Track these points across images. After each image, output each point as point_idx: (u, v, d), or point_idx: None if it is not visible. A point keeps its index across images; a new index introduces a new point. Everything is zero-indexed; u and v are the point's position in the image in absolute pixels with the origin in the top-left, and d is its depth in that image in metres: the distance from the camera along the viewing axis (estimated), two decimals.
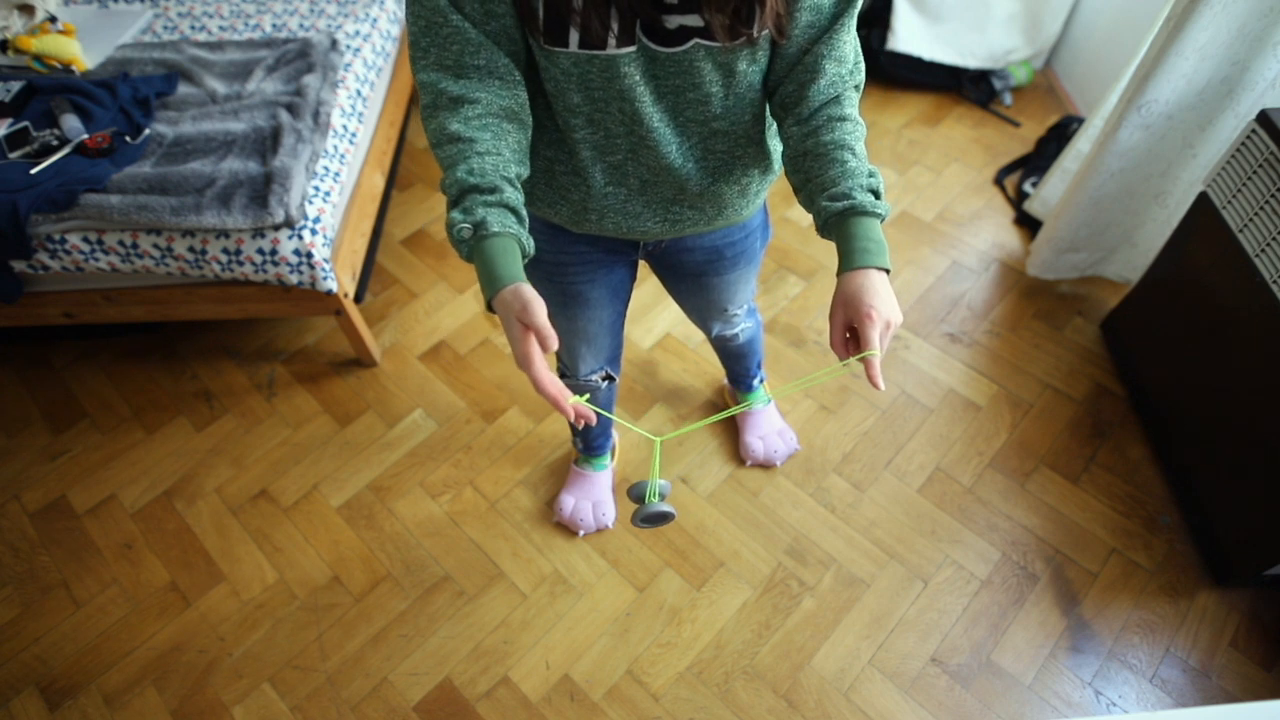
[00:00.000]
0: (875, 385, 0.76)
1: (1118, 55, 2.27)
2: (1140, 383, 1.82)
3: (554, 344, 0.74)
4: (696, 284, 1.22)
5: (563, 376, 1.43)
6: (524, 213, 0.80)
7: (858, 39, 0.89)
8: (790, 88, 0.87)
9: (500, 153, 0.81)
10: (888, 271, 0.80)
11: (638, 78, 0.84)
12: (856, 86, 0.88)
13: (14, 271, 1.65)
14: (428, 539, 1.68)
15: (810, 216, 2.30)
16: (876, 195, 0.82)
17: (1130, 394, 1.86)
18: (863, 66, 0.89)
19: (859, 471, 1.76)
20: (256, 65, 1.93)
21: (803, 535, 1.67)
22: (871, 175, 0.83)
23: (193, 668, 1.52)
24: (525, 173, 0.85)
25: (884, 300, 0.77)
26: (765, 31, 0.81)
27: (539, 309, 0.73)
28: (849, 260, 0.80)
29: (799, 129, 0.87)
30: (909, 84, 2.64)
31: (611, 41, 0.80)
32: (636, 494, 0.98)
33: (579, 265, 1.13)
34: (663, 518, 0.94)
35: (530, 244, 0.80)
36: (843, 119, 0.85)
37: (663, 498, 0.97)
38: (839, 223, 0.81)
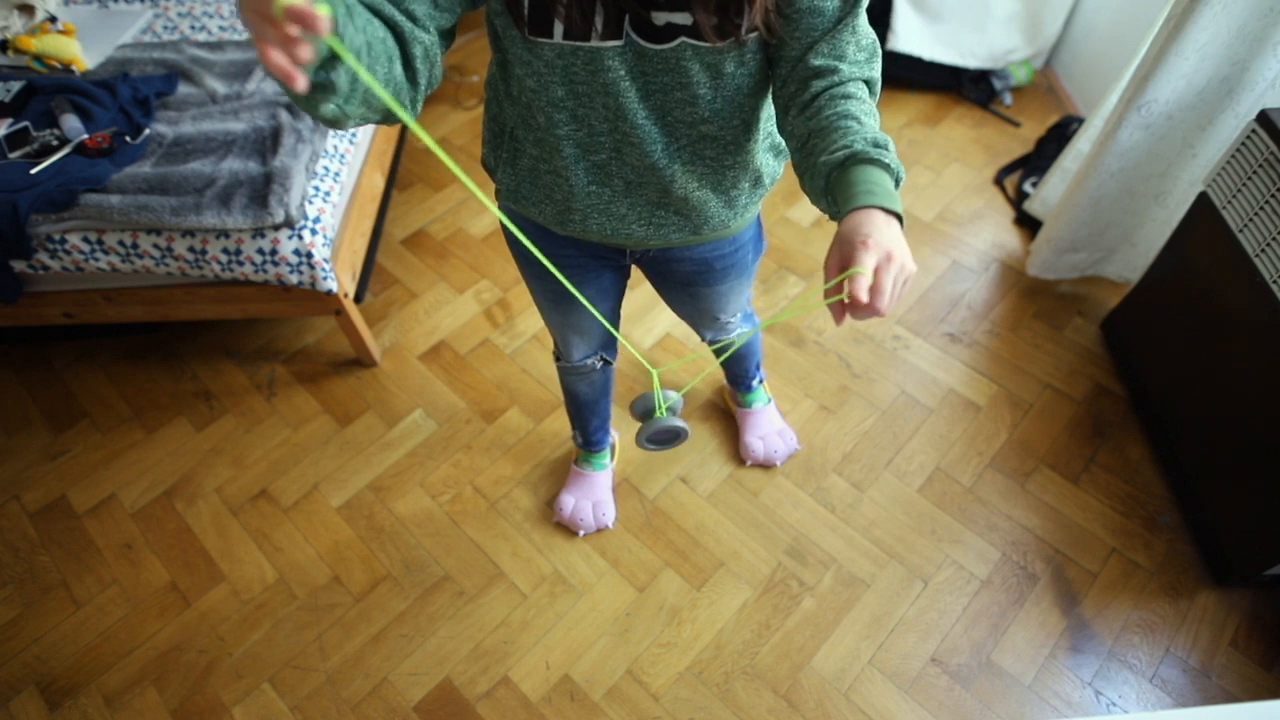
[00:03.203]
0: (857, 299, 0.63)
1: (1118, 55, 2.27)
2: (1140, 383, 1.82)
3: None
4: (686, 293, 1.22)
5: (558, 360, 1.44)
6: (352, 6, 0.65)
7: (872, 35, 0.84)
8: (792, 87, 0.83)
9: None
10: (900, 218, 0.69)
11: (623, 72, 0.83)
12: (867, 81, 0.82)
13: (14, 271, 1.65)
14: (428, 539, 1.68)
15: (813, 219, 2.29)
16: (881, 148, 0.73)
17: (1130, 394, 1.86)
18: (877, 63, 0.84)
19: (859, 471, 1.76)
20: (256, 65, 1.93)
21: (803, 535, 1.67)
22: (878, 137, 0.74)
23: (193, 668, 1.52)
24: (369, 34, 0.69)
25: (885, 234, 0.66)
26: (755, 34, 0.81)
27: None
28: (845, 206, 0.69)
29: (801, 116, 0.81)
30: (909, 84, 2.64)
31: (596, 34, 0.79)
32: (642, 409, 0.80)
33: (567, 268, 1.13)
34: (674, 435, 0.76)
35: (347, 26, 0.63)
36: (847, 96, 0.79)
37: (673, 413, 0.80)
38: (839, 178, 0.72)
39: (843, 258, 0.67)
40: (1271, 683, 1.47)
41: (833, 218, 0.75)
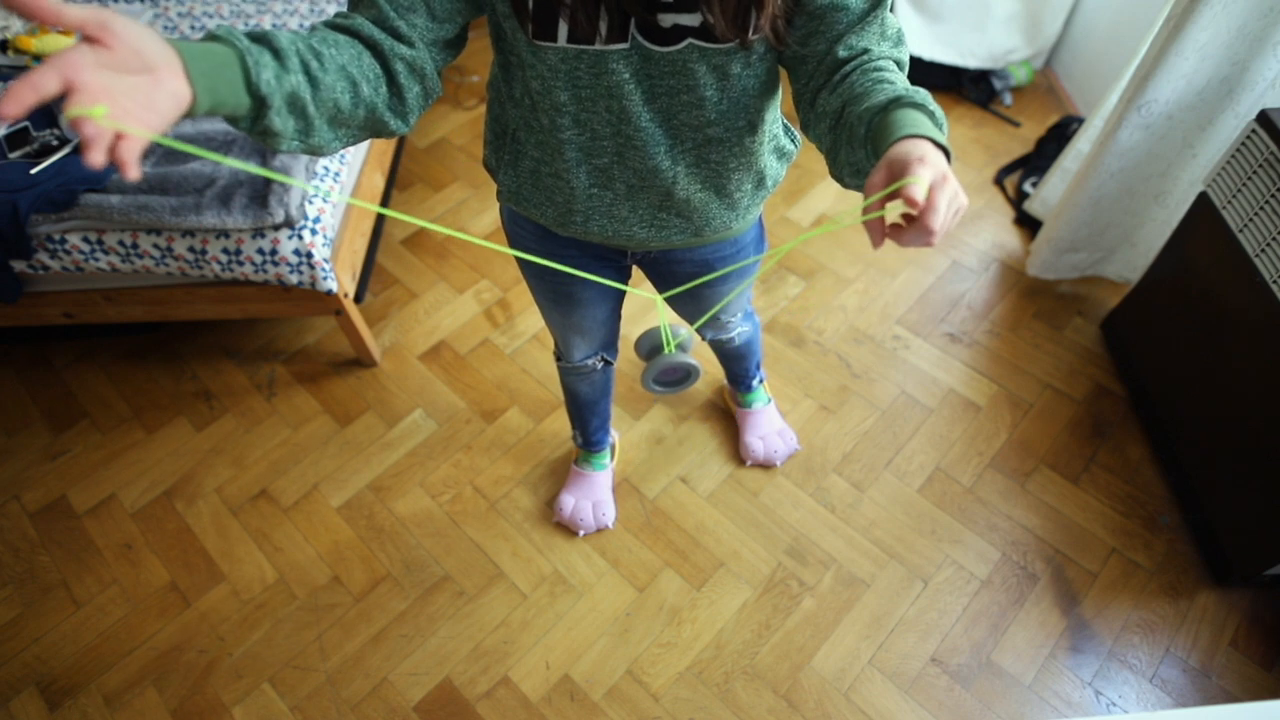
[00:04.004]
0: (914, 201, 0.57)
1: (1118, 55, 2.27)
2: (1140, 383, 1.82)
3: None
4: (687, 294, 1.22)
5: (558, 360, 1.44)
6: (283, 49, 0.65)
7: (898, 24, 0.82)
8: (821, 78, 0.82)
9: (301, 39, 0.68)
10: (948, 154, 0.64)
11: (627, 76, 0.83)
12: (896, 61, 0.80)
13: (14, 271, 1.65)
14: (428, 539, 1.68)
15: (813, 219, 2.29)
16: (924, 96, 0.70)
17: (1130, 394, 1.86)
18: (905, 48, 0.82)
19: (859, 471, 1.76)
20: None
21: (803, 535, 1.67)
22: (919, 90, 0.71)
23: (193, 668, 1.52)
24: (328, 68, 0.69)
25: (939, 158, 0.60)
26: (761, 36, 0.81)
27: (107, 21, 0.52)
28: (889, 139, 0.64)
29: (834, 94, 0.77)
30: None
31: (600, 37, 0.79)
32: (648, 347, 0.73)
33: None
34: (684, 375, 0.69)
35: (261, 73, 0.62)
36: (879, 69, 0.76)
37: (683, 350, 0.71)
38: (880, 122, 0.67)
39: (892, 176, 0.61)
40: (1271, 683, 1.47)
41: (861, 168, 0.71)
